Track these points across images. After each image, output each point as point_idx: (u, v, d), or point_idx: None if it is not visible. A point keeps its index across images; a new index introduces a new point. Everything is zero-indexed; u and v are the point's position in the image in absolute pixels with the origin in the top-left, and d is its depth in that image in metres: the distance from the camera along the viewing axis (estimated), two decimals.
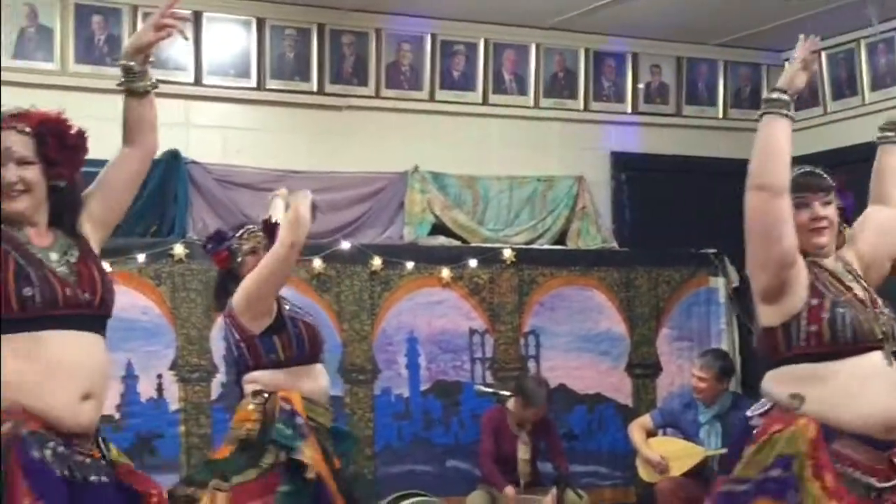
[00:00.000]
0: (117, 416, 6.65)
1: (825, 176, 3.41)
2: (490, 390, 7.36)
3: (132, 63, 3.24)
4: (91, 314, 3.11)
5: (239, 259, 4.70)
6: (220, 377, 6.92)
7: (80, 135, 3.19)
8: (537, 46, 8.24)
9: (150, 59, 3.29)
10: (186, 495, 4.31)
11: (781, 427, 3.19)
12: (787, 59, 3.33)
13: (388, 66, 7.87)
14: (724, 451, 6.77)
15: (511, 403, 7.10)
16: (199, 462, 6.67)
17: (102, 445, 3.14)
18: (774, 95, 3.28)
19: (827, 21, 7.43)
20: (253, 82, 7.52)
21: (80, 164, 3.21)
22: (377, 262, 7.41)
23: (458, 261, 7.66)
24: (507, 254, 7.78)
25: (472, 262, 7.68)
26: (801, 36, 3.38)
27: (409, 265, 7.50)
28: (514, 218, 8.14)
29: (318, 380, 4.63)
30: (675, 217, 8.36)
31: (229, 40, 7.46)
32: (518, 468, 7.05)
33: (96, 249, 3.23)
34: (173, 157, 7.13)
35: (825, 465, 3.13)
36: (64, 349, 3.03)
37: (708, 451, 6.91)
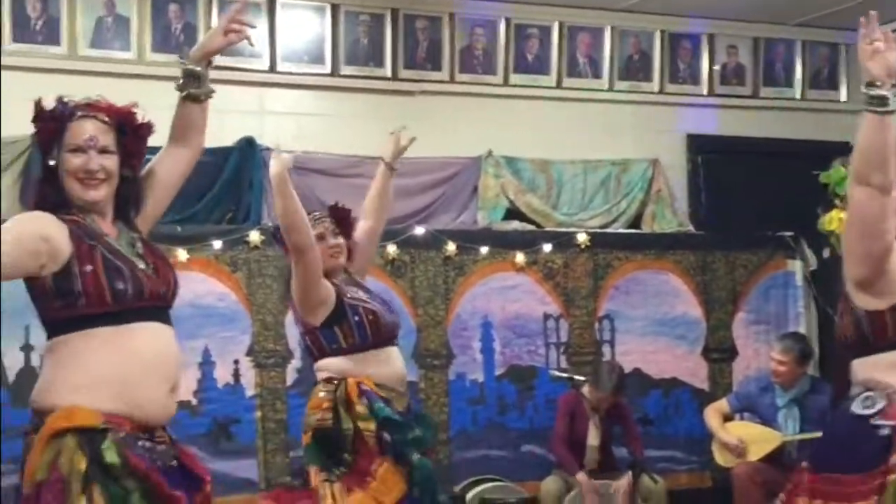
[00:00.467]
0: (194, 401, 6.69)
1: None
2: (565, 375, 7.33)
3: (198, 67, 3.27)
4: (164, 306, 3.16)
5: None
6: (295, 363, 6.95)
7: (150, 127, 3.22)
8: (612, 29, 8.18)
9: (212, 63, 3.32)
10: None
11: None
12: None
13: (462, 51, 7.85)
14: (801, 437, 6.72)
15: (586, 388, 7.08)
16: (274, 447, 6.77)
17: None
18: (872, 92, 3.18)
19: None
20: (327, 68, 7.54)
21: (144, 155, 3.25)
22: (451, 247, 7.41)
23: (532, 245, 7.64)
24: (582, 238, 7.74)
25: (547, 247, 7.65)
26: (861, 19, 3.26)
27: (483, 250, 7.50)
28: (589, 202, 8.09)
29: (391, 364, 4.59)
30: (752, 200, 8.27)
31: (303, 27, 7.49)
32: (586, 453, 7.04)
33: None
34: (248, 144, 7.16)
35: None
36: (152, 342, 3.07)
37: (786, 437, 6.84)
